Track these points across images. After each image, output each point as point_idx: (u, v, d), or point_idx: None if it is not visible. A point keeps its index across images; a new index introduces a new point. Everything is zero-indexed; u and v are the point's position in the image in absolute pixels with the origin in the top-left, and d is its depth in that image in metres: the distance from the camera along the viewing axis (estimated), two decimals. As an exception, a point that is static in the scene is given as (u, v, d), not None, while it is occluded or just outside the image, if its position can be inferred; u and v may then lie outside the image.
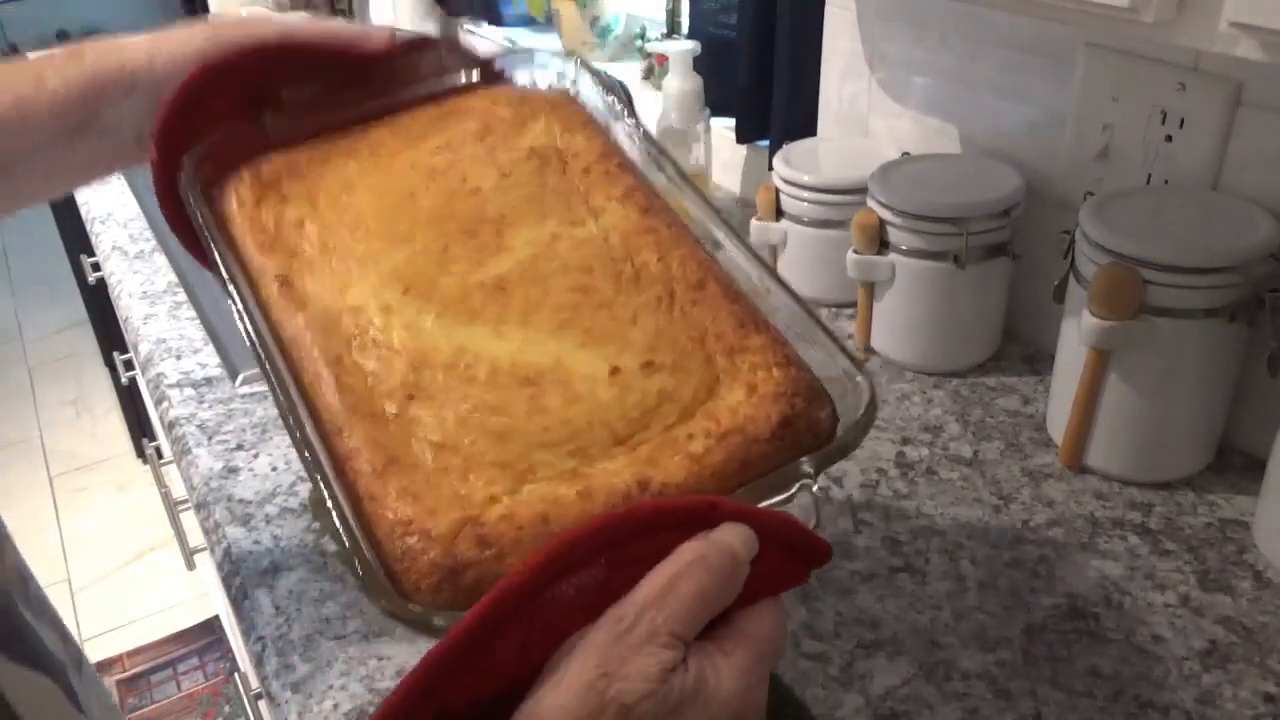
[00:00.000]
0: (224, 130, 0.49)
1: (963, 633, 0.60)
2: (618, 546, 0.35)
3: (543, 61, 0.55)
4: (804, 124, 1.05)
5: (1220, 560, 0.64)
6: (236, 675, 0.97)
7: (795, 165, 0.92)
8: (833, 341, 0.42)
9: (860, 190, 0.85)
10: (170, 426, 0.84)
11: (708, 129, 1.07)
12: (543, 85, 0.55)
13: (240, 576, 0.67)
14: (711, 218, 0.47)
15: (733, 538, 0.35)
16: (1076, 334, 0.68)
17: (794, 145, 0.96)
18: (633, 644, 0.33)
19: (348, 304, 0.43)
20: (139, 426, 2.37)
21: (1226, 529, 0.66)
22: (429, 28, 1.72)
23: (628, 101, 1.06)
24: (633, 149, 0.50)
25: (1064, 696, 0.55)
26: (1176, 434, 0.69)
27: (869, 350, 0.87)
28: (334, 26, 0.53)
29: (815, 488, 0.38)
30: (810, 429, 0.40)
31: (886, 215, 0.80)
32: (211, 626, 2.03)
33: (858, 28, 0.96)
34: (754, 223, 0.96)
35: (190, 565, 1.29)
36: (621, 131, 0.51)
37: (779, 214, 0.94)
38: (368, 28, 0.54)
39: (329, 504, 0.37)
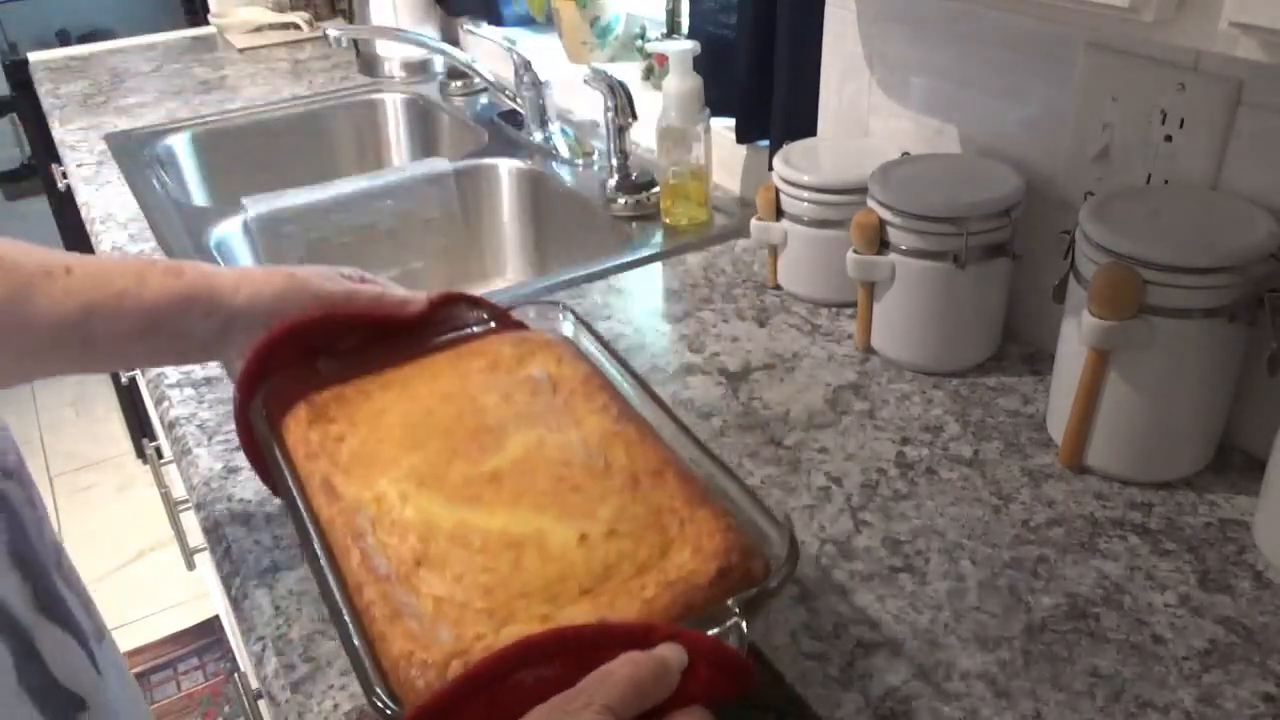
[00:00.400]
0: (289, 374, 0.63)
1: (963, 633, 0.60)
2: (570, 654, 0.44)
3: (545, 311, 0.71)
4: (804, 124, 1.05)
5: (1220, 560, 0.64)
6: (236, 675, 0.96)
7: (795, 165, 0.92)
8: (762, 510, 0.54)
9: (860, 190, 0.85)
10: (170, 426, 0.84)
11: (708, 129, 1.07)
12: (545, 328, 0.70)
13: (240, 576, 0.67)
14: (670, 423, 0.61)
15: (665, 650, 0.44)
16: (1076, 334, 0.68)
17: (794, 145, 0.96)
18: (571, 710, 0.40)
19: (373, 494, 0.56)
20: (139, 426, 2.37)
21: (1226, 529, 0.66)
22: (429, 29, 1.72)
23: (627, 101, 1.12)
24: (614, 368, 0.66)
25: (1064, 696, 0.55)
26: (1176, 434, 0.69)
27: (869, 350, 0.87)
28: (381, 294, 0.66)
29: (743, 624, 0.47)
30: (744, 577, 0.50)
31: (886, 215, 0.80)
32: (211, 626, 2.03)
33: (858, 28, 0.96)
34: (754, 223, 0.96)
35: (190, 565, 1.29)
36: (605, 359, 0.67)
37: (779, 214, 0.94)
38: (409, 295, 0.68)
39: (342, 645, 0.48)
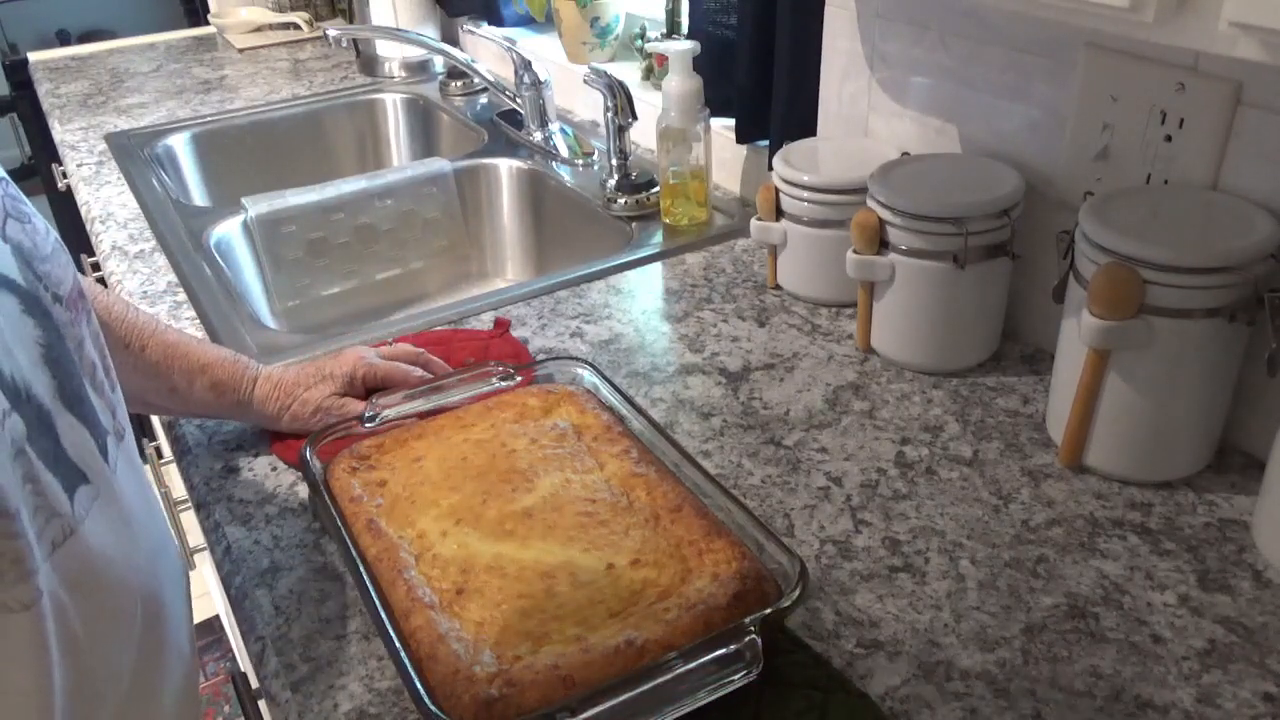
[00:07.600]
0: (335, 427, 0.72)
1: (963, 633, 0.60)
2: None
3: (567, 366, 0.78)
4: (804, 124, 1.05)
5: (1220, 560, 0.64)
6: (236, 675, 0.96)
7: (795, 165, 0.92)
8: (772, 538, 0.59)
9: (860, 190, 0.85)
10: (170, 426, 0.84)
11: (708, 129, 1.07)
12: (566, 381, 0.78)
13: (240, 576, 0.67)
14: (685, 464, 0.66)
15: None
16: (1076, 334, 0.68)
17: (794, 145, 0.96)
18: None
19: (415, 532, 0.62)
20: (139, 426, 2.37)
21: (1226, 529, 0.66)
22: (429, 29, 1.72)
23: (627, 101, 1.13)
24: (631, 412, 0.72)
25: (1064, 696, 0.55)
26: (1176, 434, 0.69)
27: (869, 350, 0.87)
28: (413, 369, 0.80)
29: (758, 640, 0.52)
30: (759, 599, 0.55)
31: (886, 215, 0.80)
32: (211, 626, 2.03)
33: (858, 28, 0.96)
34: (754, 223, 0.96)
35: (190, 565, 1.29)
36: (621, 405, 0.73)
37: (779, 214, 0.94)
38: (437, 363, 0.82)
39: (396, 669, 0.54)
